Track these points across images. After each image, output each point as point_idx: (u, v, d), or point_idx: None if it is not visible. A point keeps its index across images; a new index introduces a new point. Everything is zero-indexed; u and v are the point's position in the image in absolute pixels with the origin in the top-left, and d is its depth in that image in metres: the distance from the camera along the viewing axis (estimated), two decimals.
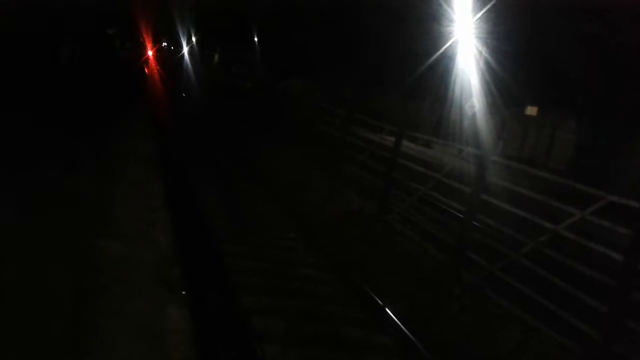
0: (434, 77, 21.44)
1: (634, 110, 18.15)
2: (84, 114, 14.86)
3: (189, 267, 6.41)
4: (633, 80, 17.22)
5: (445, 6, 14.44)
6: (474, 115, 19.71)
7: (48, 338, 4.01)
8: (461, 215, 9.13)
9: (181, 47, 48.70)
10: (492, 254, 8.10)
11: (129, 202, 7.85)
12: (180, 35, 44.15)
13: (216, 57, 59.58)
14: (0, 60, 15.87)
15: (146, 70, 52.70)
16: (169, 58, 63.47)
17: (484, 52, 17.84)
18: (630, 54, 16.67)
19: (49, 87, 17.34)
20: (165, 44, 69.25)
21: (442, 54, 18.04)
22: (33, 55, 19.99)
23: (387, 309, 6.77)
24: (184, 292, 5.47)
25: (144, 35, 57.28)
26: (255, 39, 38.21)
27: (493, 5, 12.38)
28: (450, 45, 17.10)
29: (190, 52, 47.39)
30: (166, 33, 56.32)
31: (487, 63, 18.05)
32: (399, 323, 6.47)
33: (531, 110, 25.41)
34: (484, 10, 12.72)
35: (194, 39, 45.68)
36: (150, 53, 63.47)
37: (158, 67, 58.98)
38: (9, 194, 6.71)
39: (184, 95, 35.18)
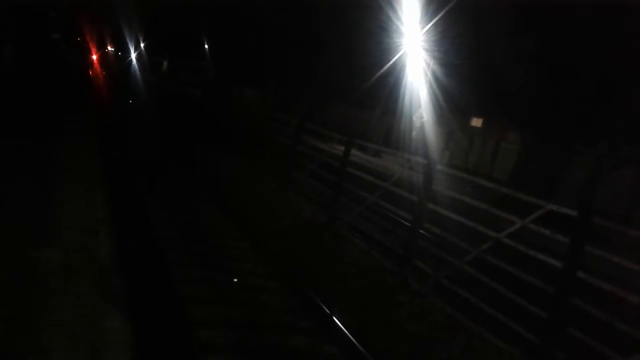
0: (384, 88, 21.81)
1: (573, 122, 18.97)
2: (25, 119, 14.36)
3: (130, 277, 6.23)
4: (570, 93, 18.01)
5: (394, 19, 14.73)
6: (422, 125, 20.14)
7: None
8: (408, 224, 9.25)
9: (129, 53, 47.71)
10: (438, 262, 8.25)
11: (73, 213, 7.57)
12: (128, 41, 43.28)
13: (165, 64, 58.67)
14: None
15: (93, 77, 51.37)
16: (116, 63, 62.14)
17: (431, 65, 18.29)
18: (566, 68, 17.45)
19: None
20: (112, 49, 67.84)
21: (392, 65, 18.39)
22: None
23: (334, 318, 6.76)
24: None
25: (89, 40, 56.09)
26: (206, 47, 37.88)
27: (440, 19, 12.73)
28: (399, 57, 17.46)
29: (138, 59, 46.48)
30: (113, 38, 55.15)
31: (434, 75, 18.50)
32: (346, 332, 6.48)
33: (476, 122, 26.17)
34: (430, 24, 13.04)
35: (142, 45, 44.84)
36: (94, 57, 62.26)
37: (105, 72, 57.71)
38: None
39: (130, 102, 34.40)
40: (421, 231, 8.72)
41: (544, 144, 20.82)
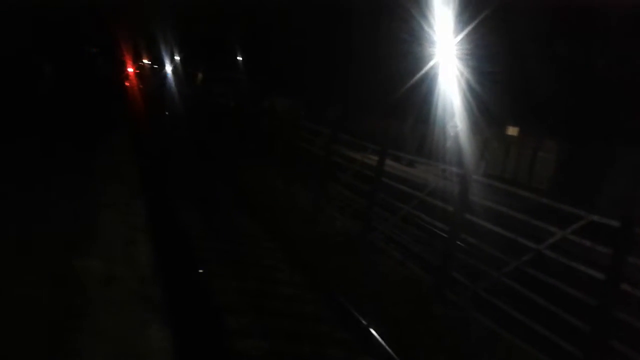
0: (417, 97, 21.69)
1: (612, 130, 18.51)
2: (66, 132, 14.79)
3: (169, 286, 6.32)
4: (608, 101, 17.61)
5: (427, 28, 14.68)
6: (456, 135, 19.96)
7: None
8: (445, 235, 9.15)
9: (164, 66, 48.67)
10: (475, 274, 8.12)
11: (112, 222, 7.74)
12: (164, 53, 44.17)
13: (200, 76, 59.63)
14: None
15: (130, 90, 52.56)
16: (152, 77, 63.46)
17: (465, 73, 18.12)
18: (605, 75, 17.08)
19: (32, 108, 17.35)
20: (149, 62, 69.25)
21: (424, 74, 18.31)
22: (17, 75, 20.07)
23: (371, 329, 6.72)
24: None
25: (125, 54, 57.47)
26: (239, 58, 38.37)
27: (474, 28, 12.63)
28: (432, 66, 17.38)
29: (173, 71, 47.37)
30: (149, 52, 56.36)
31: (468, 84, 18.33)
32: (383, 343, 6.42)
33: (512, 131, 25.79)
34: (464, 33, 12.95)
35: (177, 57, 45.70)
36: (130, 70, 63.75)
37: (141, 85, 59.02)
38: None
39: (167, 113, 35.06)
40: (458, 242, 8.61)
41: (583, 152, 20.39)
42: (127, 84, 58.97)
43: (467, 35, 13.83)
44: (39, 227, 6.63)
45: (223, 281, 7.58)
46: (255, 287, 7.60)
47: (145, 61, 71.10)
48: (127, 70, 64.58)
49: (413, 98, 22.25)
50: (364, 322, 6.89)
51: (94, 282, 5.44)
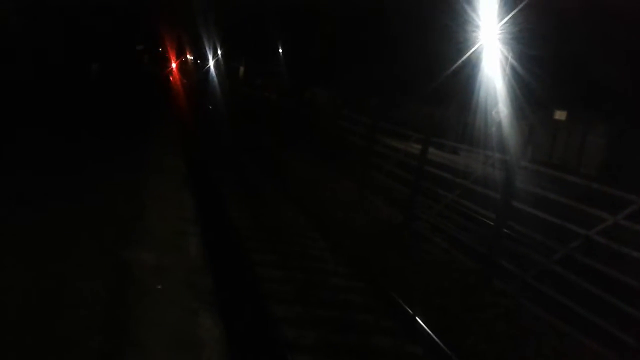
0: (460, 83, 21.29)
1: None
2: (113, 126, 15.29)
3: (219, 276, 6.47)
4: None
5: (470, 12, 14.38)
6: (500, 120, 19.52)
7: (85, 349, 4.09)
8: (491, 223, 9.03)
9: (207, 61, 49.35)
10: (524, 261, 8.00)
11: (162, 214, 7.96)
12: (207, 49, 44.79)
13: (242, 69, 60.25)
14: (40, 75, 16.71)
15: (174, 85, 53.68)
16: (195, 72, 64.54)
17: (509, 57, 17.67)
18: None
19: (82, 102, 18.00)
20: (192, 57, 70.39)
21: (467, 59, 17.95)
22: (67, 71, 20.86)
23: (417, 318, 6.72)
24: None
25: (169, 50, 58.70)
26: (280, 51, 38.52)
27: (519, 10, 12.28)
28: (475, 50, 17.01)
29: (216, 66, 47.97)
30: (193, 47, 57.24)
31: (513, 68, 17.87)
32: (430, 332, 6.41)
33: (560, 115, 25.06)
34: (509, 16, 12.63)
35: (219, 52, 46.26)
36: (174, 66, 65.16)
37: (185, 80, 60.23)
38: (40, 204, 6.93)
39: (210, 107, 35.63)
40: (504, 230, 8.48)
41: (635, 135, 19.64)
42: (171, 79, 60.34)
43: (513, 17, 13.47)
44: (91, 220, 6.90)
45: (269, 271, 7.70)
46: (301, 277, 7.70)
47: (188, 56, 72.35)
48: (171, 66, 66.06)
49: (456, 84, 21.85)
50: (410, 311, 6.89)
51: (146, 272, 5.63)
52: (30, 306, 4.55)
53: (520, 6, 11.80)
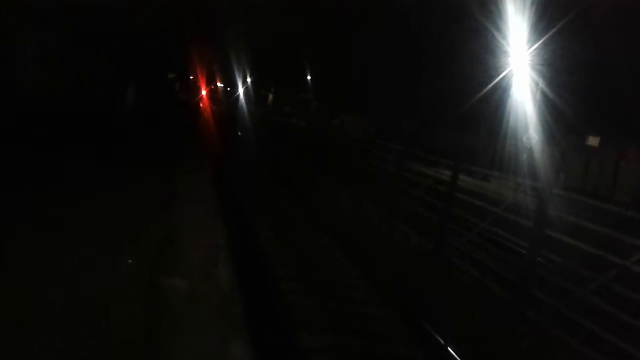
0: (490, 109, 21.22)
1: None
2: (145, 152, 15.66)
3: (249, 304, 6.50)
4: None
5: (499, 39, 14.39)
6: (532, 147, 19.32)
7: None
8: (523, 251, 8.87)
9: (237, 88, 50.25)
10: (557, 291, 7.82)
11: (192, 239, 8.07)
12: (236, 76, 45.64)
13: (270, 96, 61.10)
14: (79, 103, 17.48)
15: (204, 112, 54.70)
16: (226, 99, 65.73)
17: (540, 83, 17.58)
18: None
19: (119, 129, 18.62)
20: (222, 84, 71.72)
21: (496, 85, 17.91)
22: (104, 99, 21.63)
23: (449, 348, 6.61)
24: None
25: (200, 77, 60.03)
26: (308, 78, 39.00)
27: (550, 37, 12.25)
28: (506, 76, 16.98)
29: (245, 93, 48.79)
30: (223, 74, 58.36)
31: (544, 94, 17.76)
32: None
33: (593, 141, 24.67)
34: (540, 42, 12.61)
35: (249, 79, 47.07)
36: (204, 93, 66.56)
37: (214, 107, 61.38)
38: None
39: (239, 134, 36.12)
40: (538, 258, 8.32)
41: None
42: (201, 105, 61.52)
43: (543, 44, 13.45)
44: (127, 250, 7.03)
45: (299, 298, 7.70)
46: (332, 306, 7.67)
47: (218, 84, 73.76)
48: (201, 94, 67.48)
49: (486, 110, 21.78)
50: (442, 341, 6.79)
51: (179, 299, 5.70)
52: (64, 328, 4.63)
53: (550, 33, 11.78)
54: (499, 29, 14.25)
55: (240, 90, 49.25)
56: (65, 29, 16.51)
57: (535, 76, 16.95)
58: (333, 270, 9.38)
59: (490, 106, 20.67)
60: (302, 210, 14.16)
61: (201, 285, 6.20)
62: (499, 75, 17.18)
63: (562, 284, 7.53)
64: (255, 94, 53.04)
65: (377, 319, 7.46)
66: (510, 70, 16.62)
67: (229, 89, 65.59)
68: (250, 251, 9.57)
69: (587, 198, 8.31)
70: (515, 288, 8.25)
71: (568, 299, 7.34)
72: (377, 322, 7.34)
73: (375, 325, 7.20)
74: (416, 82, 27.56)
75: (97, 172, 11.51)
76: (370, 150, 18.09)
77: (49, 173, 10.49)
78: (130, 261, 6.50)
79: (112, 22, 16.44)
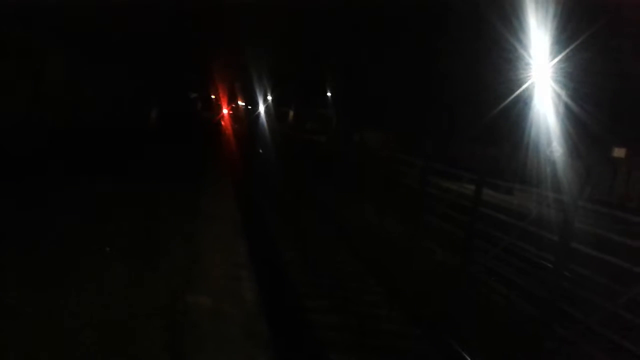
0: (512, 122, 21.04)
1: None
2: (168, 171, 15.91)
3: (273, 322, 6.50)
4: None
5: (521, 51, 14.31)
6: (556, 159, 19.08)
7: None
8: (550, 265, 8.73)
9: (257, 106, 50.66)
10: (586, 306, 7.67)
11: (215, 258, 8.12)
12: (257, 94, 46.05)
13: (291, 113, 61.49)
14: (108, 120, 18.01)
15: (225, 130, 55.30)
16: (246, 117, 66.40)
17: (563, 95, 17.39)
18: None
19: (144, 148, 19.04)
20: (243, 103, 72.42)
21: (519, 98, 17.78)
22: (129, 118, 22.19)
23: None
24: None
25: (221, 96, 60.84)
26: (329, 94, 39.17)
27: (572, 49, 12.15)
28: (527, 89, 16.86)
29: (266, 111, 49.18)
30: (243, 93, 59.00)
31: (567, 106, 17.56)
32: None
33: (619, 152, 24.26)
34: (562, 54, 12.50)
35: (269, 97, 47.45)
36: (225, 111, 67.47)
37: (236, 126, 62.05)
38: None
39: (260, 151, 36.36)
40: (565, 272, 8.18)
41: None
42: (222, 124, 62.24)
43: (567, 56, 13.33)
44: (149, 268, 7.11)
45: (324, 316, 7.68)
46: (356, 322, 7.63)
47: (240, 102, 74.51)
48: (222, 112, 68.30)
49: (509, 123, 21.59)
50: (468, 358, 6.70)
51: (204, 317, 5.73)
52: (91, 342, 4.70)
53: (573, 46, 11.68)
54: (520, 41, 14.17)
55: (261, 108, 49.63)
56: (93, 48, 16.96)
57: (558, 88, 16.80)
58: (357, 287, 9.34)
59: (514, 119, 20.51)
60: (325, 227, 14.15)
61: (225, 303, 6.23)
62: (522, 88, 17.08)
63: (591, 298, 7.39)
64: (276, 111, 53.41)
65: (404, 336, 7.39)
66: (532, 83, 16.51)
67: (249, 107, 66.22)
68: (273, 270, 9.58)
69: (614, 210, 8.16)
70: (541, 303, 8.12)
71: (597, 313, 7.20)
72: (402, 339, 7.28)
73: (401, 343, 7.14)
74: (437, 96, 27.48)
75: (126, 190, 11.76)
76: (393, 165, 18.08)
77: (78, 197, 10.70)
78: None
79: (137, 40, 16.84)
